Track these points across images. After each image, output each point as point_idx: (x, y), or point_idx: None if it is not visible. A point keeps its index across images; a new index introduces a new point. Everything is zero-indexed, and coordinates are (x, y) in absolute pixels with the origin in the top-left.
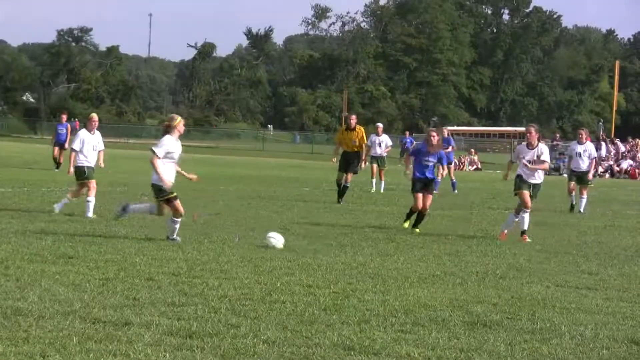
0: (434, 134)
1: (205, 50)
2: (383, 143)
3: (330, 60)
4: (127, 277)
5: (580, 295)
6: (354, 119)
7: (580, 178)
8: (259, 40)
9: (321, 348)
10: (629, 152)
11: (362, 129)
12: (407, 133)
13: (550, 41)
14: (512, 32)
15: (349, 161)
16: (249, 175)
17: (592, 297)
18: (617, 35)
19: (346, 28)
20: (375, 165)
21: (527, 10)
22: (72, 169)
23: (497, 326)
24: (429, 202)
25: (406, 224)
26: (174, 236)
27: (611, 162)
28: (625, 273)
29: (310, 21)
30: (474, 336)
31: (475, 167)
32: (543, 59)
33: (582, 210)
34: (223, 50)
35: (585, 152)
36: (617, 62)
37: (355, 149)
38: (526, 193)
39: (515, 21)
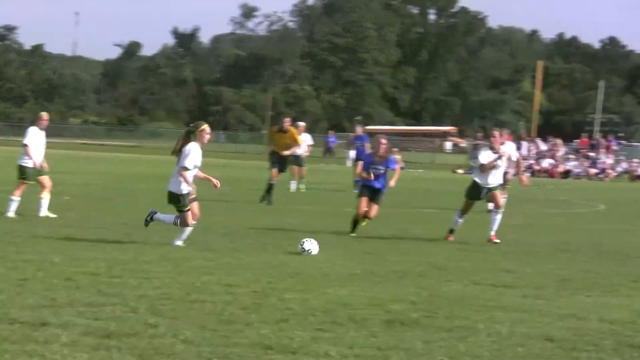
0: (383, 140)
1: (131, 50)
2: (303, 142)
3: (256, 59)
4: (46, 277)
5: (498, 293)
6: (287, 122)
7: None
8: (185, 40)
9: (240, 347)
10: (549, 151)
11: (295, 131)
12: (331, 132)
13: (476, 41)
14: (438, 32)
15: (282, 161)
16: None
17: (509, 294)
18: (540, 35)
19: (273, 27)
20: (295, 167)
21: (453, 11)
22: (37, 162)
23: (415, 324)
24: (374, 212)
25: (354, 234)
26: (180, 241)
27: (531, 161)
28: (542, 271)
29: (237, 20)
30: (391, 334)
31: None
32: (468, 59)
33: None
34: (149, 49)
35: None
36: (540, 62)
37: (284, 151)
38: (470, 204)
39: (442, 21)
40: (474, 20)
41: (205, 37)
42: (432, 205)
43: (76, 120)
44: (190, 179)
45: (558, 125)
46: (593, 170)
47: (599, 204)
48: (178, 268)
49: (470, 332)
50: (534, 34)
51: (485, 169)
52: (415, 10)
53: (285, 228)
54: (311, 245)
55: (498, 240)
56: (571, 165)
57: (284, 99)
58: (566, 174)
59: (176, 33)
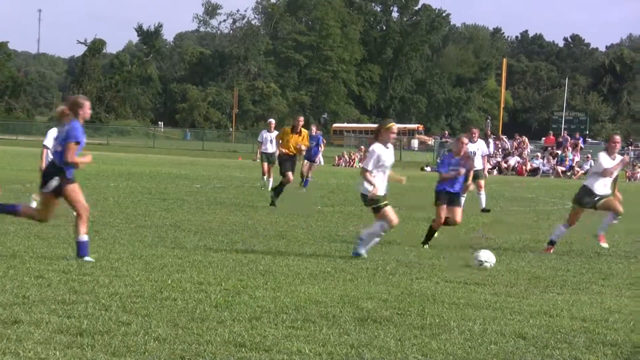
0: (465, 140)
1: (96, 47)
2: (274, 140)
3: (220, 57)
4: (17, 275)
5: (469, 290)
6: (301, 121)
7: (476, 176)
8: (149, 37)
9: (212, 345)
10: (516, 149)
11: (306, 132)
12: None
13: (439, 39)
14: (402, 29)
15: (289, 161)
16: (140, 172)
17: (481, 292)
18: (504, 33)
19: (237, 25)
20: (265, 163)
21: (416, 8)
22: (43, 165)
23: (387, 322)
24: (459, 216)
25: (426, 246)
26: (362, 250)
27: (499, 159)
28: (513, 268)
29: (201, 18)
30: (364, 332)
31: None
32: (432, 57)
33: (484, 205)
34: (114, 46)
35: (479, 150)
36: (505, 60)
37: (294, 152)
38: (580, 211)
39: (405, 19)
40: (437, 18)
41: (168, 35)
42: (400, 203)
43: (43, 118)
44: (377, 180)
45: (523, 123)
46: (561, 168)
47: (567, 202)
48: (149, 266)
49: (442, 329)
50: (497, 32)
51: (607, 173)
52: (377, 8)
53: (255, 225)
54: (489, 257)
55: (606, 245)
56: (538, 163)
57: (250, 97)
58: (534, 171)
59: (140, 30)
